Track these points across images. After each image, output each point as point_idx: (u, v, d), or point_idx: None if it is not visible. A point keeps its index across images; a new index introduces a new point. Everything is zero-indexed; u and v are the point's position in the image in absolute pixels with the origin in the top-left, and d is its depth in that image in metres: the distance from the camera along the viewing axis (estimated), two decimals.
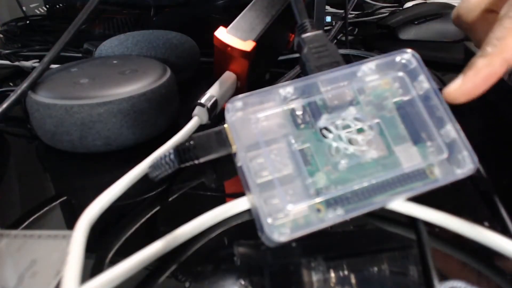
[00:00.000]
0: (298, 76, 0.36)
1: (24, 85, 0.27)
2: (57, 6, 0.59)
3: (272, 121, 0.18)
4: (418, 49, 0.20)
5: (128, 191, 0.21)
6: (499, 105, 0.31)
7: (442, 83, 0.39)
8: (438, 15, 0.53)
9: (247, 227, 0.20)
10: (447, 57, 0.47)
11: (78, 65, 0.31)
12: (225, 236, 0.20)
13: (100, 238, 0.20)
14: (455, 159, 0.18)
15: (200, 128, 0.27)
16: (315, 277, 0.18)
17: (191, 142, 0.19)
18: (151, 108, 0.28)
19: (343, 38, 0.47)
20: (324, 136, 0.18)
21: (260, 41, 0.30)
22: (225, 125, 0.18)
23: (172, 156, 0.19)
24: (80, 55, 0.43)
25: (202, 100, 0.27)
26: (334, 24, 0.48)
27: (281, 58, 0.42)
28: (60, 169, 0.27)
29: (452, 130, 0.18)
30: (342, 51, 0.43)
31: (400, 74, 0.19)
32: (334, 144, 0.18)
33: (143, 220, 0.21)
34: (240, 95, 0.18)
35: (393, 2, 0.70)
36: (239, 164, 0.18)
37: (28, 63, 0.45)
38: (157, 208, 0.23)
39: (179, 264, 0.19)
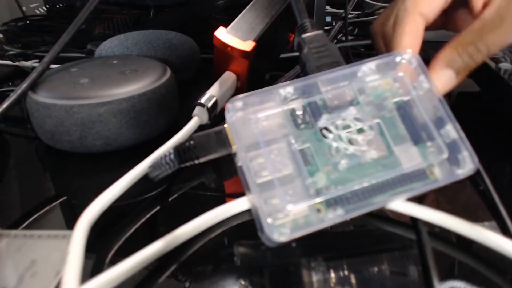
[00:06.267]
0: (298, 76, 0.36)
1: (24, 85, 0.27)
2: (57, 6, 0.59)
3: (272, 121, 0.18)
4: None
5: (128, 191, 0.21)
6: (499, 105, 0.31)
7: None
8: None
9: (247, 227, 0.20)
10: None
11: (78, 65, 0.31)
12: (225, 236, 0.20)
13: (100, 238, 0.20)
14: (455, 159, 0.18)
15: (200, 128, 0.27)
16: (315, 277, 0.18)
17: (191, 142, 0.19)
18: (151, 108, 0.28)
19: (343, 38, 0.47)
20: (324, 136, 0.18)
21: (260, 41, 0.30)
22: (225, 125, 0.18)
23: (172, 156, 0.19)
24: (83, 55, 0.43)
25: (202, 100, 0.27)
26: (334, 24, 0.48)
27: (281, 56, 0.42)
28: (60, 169, 0.27)
29: (452, 130, 0.18)
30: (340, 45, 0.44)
31: (401, 74, 0.19)
32: (334, 144, 0.18)
33: (143, 220, 0.21)
34: (240, 95, 0.18)
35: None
36: (239, 164, 0.18)
37: (28, 63, 0.45)
38: (157, 208, 0.22)
39: (179, 264, 0.19)
